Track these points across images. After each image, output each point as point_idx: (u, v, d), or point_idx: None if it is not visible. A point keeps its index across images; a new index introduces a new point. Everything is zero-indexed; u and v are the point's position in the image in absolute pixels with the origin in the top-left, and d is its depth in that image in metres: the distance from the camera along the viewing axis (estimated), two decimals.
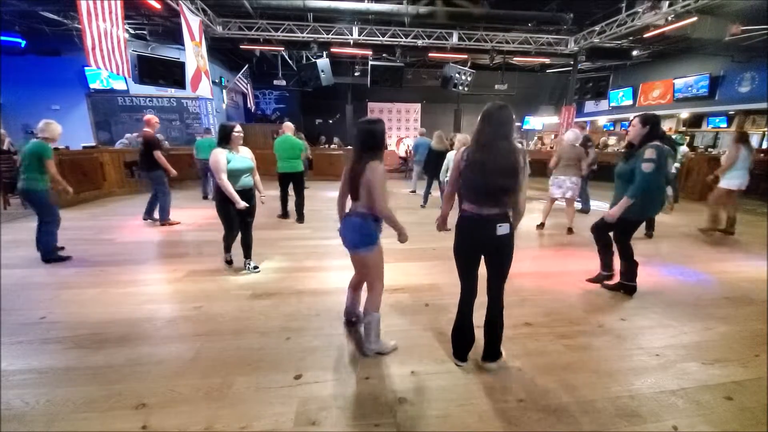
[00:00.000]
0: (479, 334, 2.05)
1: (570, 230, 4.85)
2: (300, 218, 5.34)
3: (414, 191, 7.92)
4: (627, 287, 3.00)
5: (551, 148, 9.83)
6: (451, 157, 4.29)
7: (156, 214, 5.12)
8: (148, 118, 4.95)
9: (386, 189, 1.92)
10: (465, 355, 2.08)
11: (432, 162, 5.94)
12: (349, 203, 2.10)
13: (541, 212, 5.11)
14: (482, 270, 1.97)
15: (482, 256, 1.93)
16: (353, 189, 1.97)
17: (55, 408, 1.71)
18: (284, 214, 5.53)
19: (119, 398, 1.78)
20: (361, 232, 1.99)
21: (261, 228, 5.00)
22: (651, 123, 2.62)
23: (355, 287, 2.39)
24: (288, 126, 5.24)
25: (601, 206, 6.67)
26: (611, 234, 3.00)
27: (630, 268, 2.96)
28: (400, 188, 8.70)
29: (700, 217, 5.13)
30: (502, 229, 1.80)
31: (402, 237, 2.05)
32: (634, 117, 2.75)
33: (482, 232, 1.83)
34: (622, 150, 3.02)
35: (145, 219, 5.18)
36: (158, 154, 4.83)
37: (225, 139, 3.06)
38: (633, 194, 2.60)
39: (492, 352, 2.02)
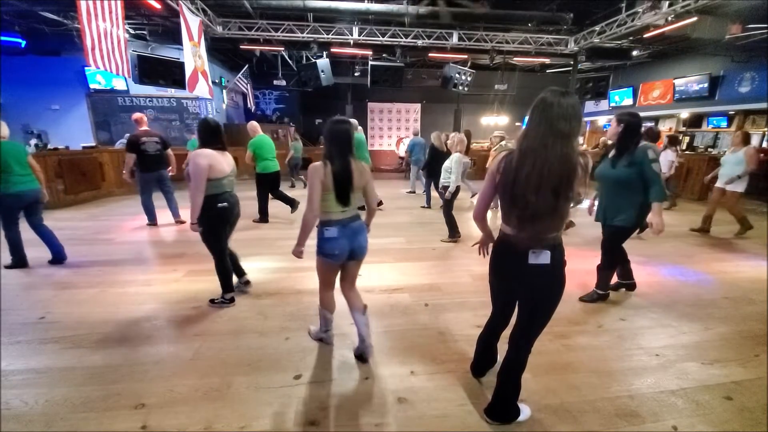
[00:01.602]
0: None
1: (571, 223, 4.84)
2: (295, 206, 5.35)
3: (413, 191, 7.93)
4: (628, 285, 3.01)
5: None
6: (455, 159, 4.20)
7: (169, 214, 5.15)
8: (140, 117, 4.88)
9: None
10: (482, 372, 1.95)
11: (433, 162, 5.96)
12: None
13: None
14: None
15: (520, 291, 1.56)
16: (347, 193, 1.85)
17: (54, 408, 1.71)
18: (266, 218, 5.38)
19: (118, 398, 1.78)
20: (364, 234, 2.00)
21: (261, 228, 5.01)
22: (625, 122, 2.46)
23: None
24: (257, 125, 5.20)
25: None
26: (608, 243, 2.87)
27: (625, 268, 2.97)
28: (399, 188, 8.71)
29: (700, 218, 5.12)
30: (538, 257, 1.36)
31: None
32: (616, 116, 2.61)
33: (511, 259, 1.44)
34: (604, 152, 2.79)
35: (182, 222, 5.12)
36: (171, 152, 4.96)
37: (220, 137, 2.61)
38: (662, 196, 2.46)
39: (497, 409, 1.65)
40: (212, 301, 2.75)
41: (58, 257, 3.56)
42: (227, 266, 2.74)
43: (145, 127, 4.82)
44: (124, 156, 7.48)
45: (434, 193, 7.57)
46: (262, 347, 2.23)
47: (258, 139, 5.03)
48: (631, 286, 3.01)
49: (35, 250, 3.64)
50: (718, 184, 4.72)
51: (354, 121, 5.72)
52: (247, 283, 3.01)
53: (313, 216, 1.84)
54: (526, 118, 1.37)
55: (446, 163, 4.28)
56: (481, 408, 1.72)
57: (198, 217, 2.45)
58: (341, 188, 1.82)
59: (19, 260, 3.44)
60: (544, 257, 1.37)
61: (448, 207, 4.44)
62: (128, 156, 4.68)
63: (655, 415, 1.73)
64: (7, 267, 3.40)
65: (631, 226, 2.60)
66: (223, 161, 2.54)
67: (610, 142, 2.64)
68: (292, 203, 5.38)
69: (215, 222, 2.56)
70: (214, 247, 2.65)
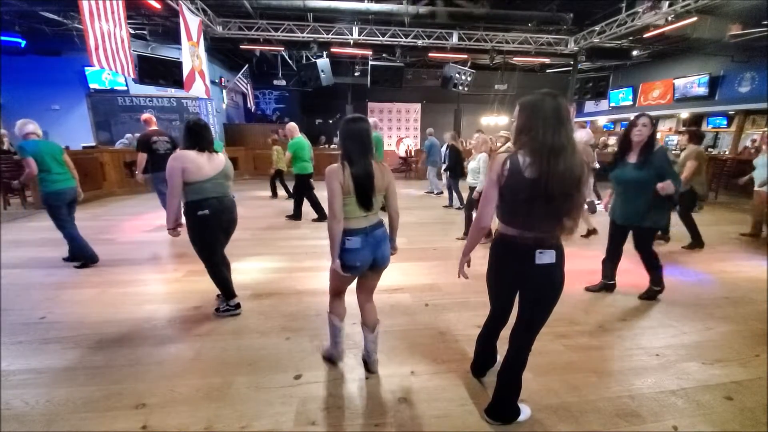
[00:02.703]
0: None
1: (594, 231, 4.70)
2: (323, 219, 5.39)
3: (432, 192, 7.92)
4: (609, 286, 3.05)
5: None
6: (483, 159, 4.18)
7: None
8: (149, 117, 4.87)
9: None
10: (482, 371, 1.95)
11: (458, 163, 6.14)
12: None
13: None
14: None
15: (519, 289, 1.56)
16: (369, 196, 1.71)
17: (55, 408, 1.72)
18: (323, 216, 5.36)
19: (119, 398, 1.78)
20: (387, 242, 1.87)
21: (261, 228, 5.01)
22: (653, 126, 2.55)
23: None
24: (296, 126, 5.25)
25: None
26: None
27: (613, 267, 3.02)
28: (399, 188, 8.71)
29: (701, 218, 5.12)
30: (543, 257, 1.39)
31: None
32: (642, 116, 2.52)
33: (516, 260, 1.45)
34: (618, 153, 2.72)
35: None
36: None
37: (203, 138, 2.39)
38: (679, 184, 2.50)
39: (498, 409, 1.66)
40: (217, 310, 2.62)
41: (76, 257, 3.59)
42: (220, 273, 2.56)
43: (154, 127, 4.80)
44: (124, 156, 7.61)
45: (438, 192, 7.60)
46: (262, 347, 2.23)
47: (297, 141, 5.09)
48: (611, 287, 3.06)
49: (36, 250, 3.65)
50: (756, 187, 4.65)
51: (374, 120, 5.82)
52: (237, 306, 2.66)
53: (337, 223, 1.69)
54: (522, 119, 1.39)
55: (473, 164, 4.25)
56: (481, 408, 1.72)
57: (186, 222, 2.36)
58: (363, 191, 1.67)
59: (86, 256, 3.47)
60: (550, 257, 1.40)
61: (473, 207, 4.36)
62: (140, 156, 4.60)
63: (655, 415, 1.73)
64: (77, 267, 3.45)
65: (661, 225, 2.73)
66: (204, 164, 2.33)
67: (639, 141, 2.55)
68: (322, 215, 5.35)
69: (199, 229, 2.38)
70: (201, 254, 2.49)
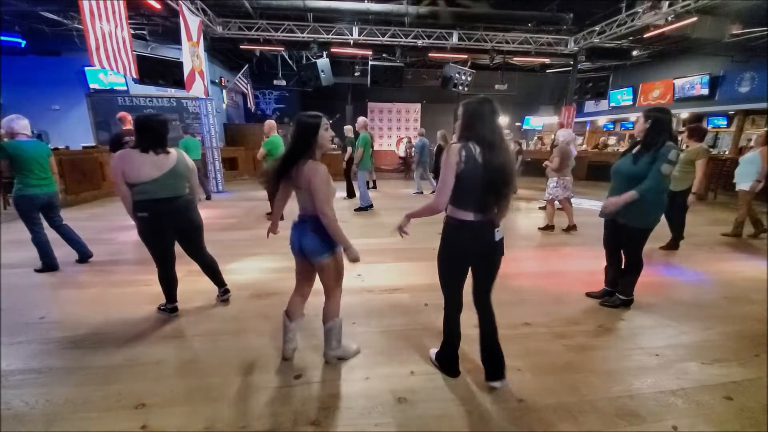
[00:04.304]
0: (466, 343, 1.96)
1: (575, 227, 4.86)
2: None
3: (421, 192, 7.93)
4: (626, 302, 2.77)
5: (551, 148, 9.87)
6: None
7: None
8: (124, 115, 4.73)
9: (331, 192, 1.81)
10: (458, 369, 2.00)
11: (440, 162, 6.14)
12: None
13: (545, 215, 5.07)
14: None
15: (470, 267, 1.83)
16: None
17: (55, 408, 1.71)
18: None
19: (118, 398, 1.78)
20: (322, 238, 1.86)
21: (259, 228, 5.01)
22: (652, 118, 2.33)
23: (303, 294, 2.16)
24: (274, 124, 5.20)
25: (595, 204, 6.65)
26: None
27: (631, 281, 2.72)
28: (400, 188, 8.71)
29: (702, 218, 5.12)
30: (499, 233, 1.72)
31: (350, 254, 1.85)
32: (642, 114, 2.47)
33: (482, 239, 1.71)
34: (627, 147, 2.59)
35: None
36: None
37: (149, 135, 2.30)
38: (642, 191, 2.32)
39: (499, 370, 1.86)
40: (158, 307, 2.65)
41: (83, 256, 3.59)
42: (167, 276, 2.52)
43: (129, 126, 4.70)
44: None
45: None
46: (262, 347, 2.23)
47: (273, 138, 5.05)
48: (613, 294, 2.82)
49: (36, 250, 3.63)
50: (737, 186, 4.65)
51: (365, 119, 5.79)
52: (226, 292, 2.81)
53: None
54: (465, 118, 1.64)
55: None
56: (481, 408, 1.72)
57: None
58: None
59: (47, 264, 3.38)
60: (501, 232, 1.73)
61: None
62: (112, 156, 4.55)
63: (655, 415, 1.73)
64: (37, 270, 3.36)
65: (651, 227, 2.48)
66: (144, 164, 2.22)
67: (638, 138, 2.47)
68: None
69: (143, 230, 2.36)
70: (151, 253, 2.45)
